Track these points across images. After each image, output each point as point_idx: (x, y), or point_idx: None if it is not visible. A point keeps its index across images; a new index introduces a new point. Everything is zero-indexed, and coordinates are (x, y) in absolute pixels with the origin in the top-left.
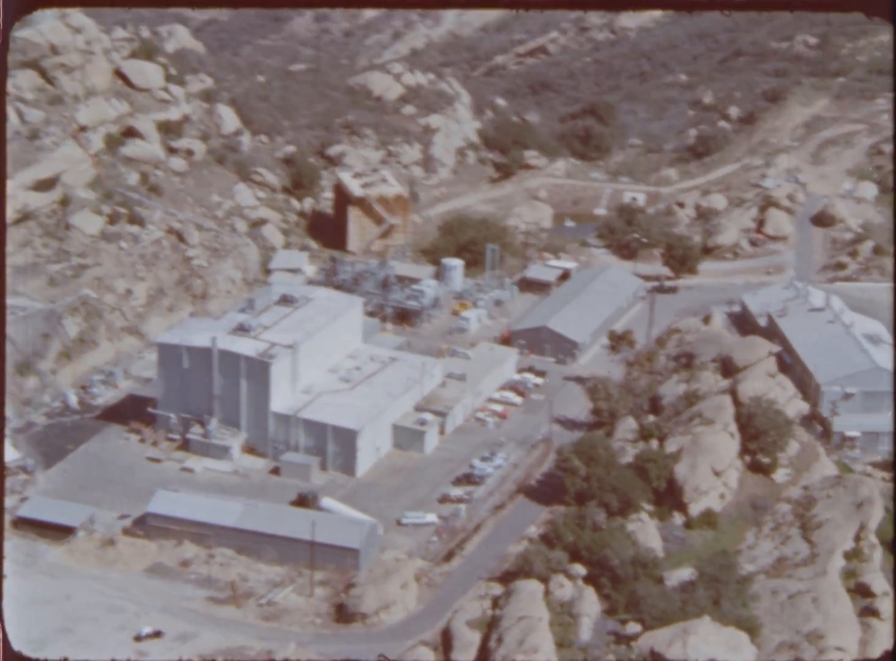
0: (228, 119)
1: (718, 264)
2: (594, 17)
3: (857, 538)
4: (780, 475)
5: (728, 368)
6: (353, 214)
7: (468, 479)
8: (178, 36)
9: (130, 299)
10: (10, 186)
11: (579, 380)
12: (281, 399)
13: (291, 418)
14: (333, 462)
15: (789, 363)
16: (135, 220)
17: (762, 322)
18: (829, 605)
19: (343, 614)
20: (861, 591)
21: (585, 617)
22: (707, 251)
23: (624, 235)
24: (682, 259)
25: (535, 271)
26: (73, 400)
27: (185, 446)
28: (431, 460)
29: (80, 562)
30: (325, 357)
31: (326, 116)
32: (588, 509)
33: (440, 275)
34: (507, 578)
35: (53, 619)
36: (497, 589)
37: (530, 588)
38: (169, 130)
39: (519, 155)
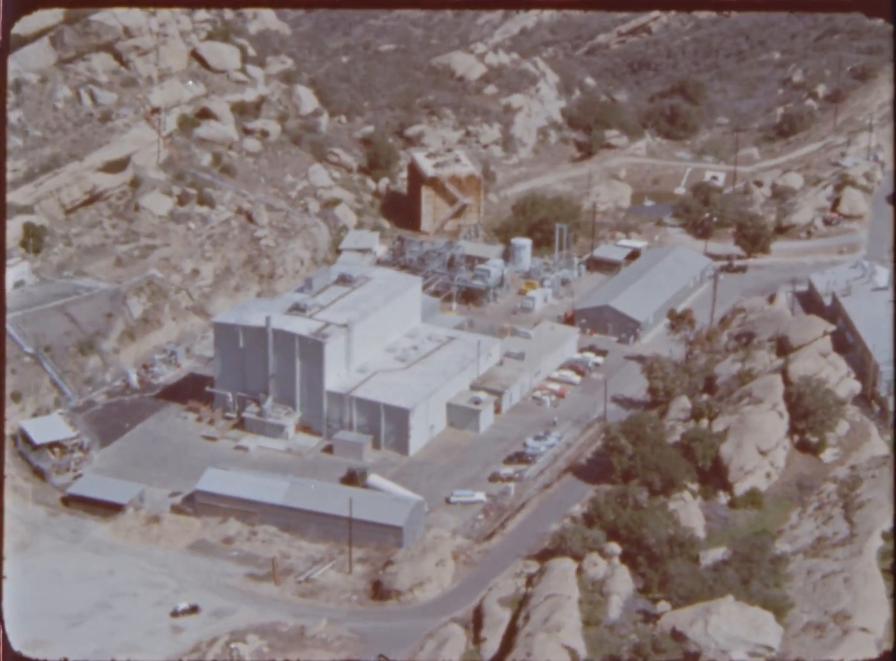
0: (307, 100)
1: (792, 244)
2: None
3: None
4: (828, 455)
5: (783, 347)
6: (426, 194)
7: (520, 457)
8: (263, 18)
9: (197, 280)
10: (80, 167)
11: (640, 359)
12: (335, 378)
13: (345, 397)
14: (386, 441)
15: (851, 343)
16: (204, 200)
17: (828, 301)
18: (860, 585)
19: (379, 591)
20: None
21: (615, 596)
22: (781, 230)
23: (699, 214)
24: (753, 238)
25: (603, 251)
26: (134, 379)
27: (241, 424)
28: (485, 438)
29: (125, 539)
30: (381, 336)
31: (407, 96)
32: (630, 488)
33: (509, 254)
34: (544, 556)
35: (93, 595)
36: (534, 567)
37: (563, 566)
38: (244, 111)
39: (600, 134)
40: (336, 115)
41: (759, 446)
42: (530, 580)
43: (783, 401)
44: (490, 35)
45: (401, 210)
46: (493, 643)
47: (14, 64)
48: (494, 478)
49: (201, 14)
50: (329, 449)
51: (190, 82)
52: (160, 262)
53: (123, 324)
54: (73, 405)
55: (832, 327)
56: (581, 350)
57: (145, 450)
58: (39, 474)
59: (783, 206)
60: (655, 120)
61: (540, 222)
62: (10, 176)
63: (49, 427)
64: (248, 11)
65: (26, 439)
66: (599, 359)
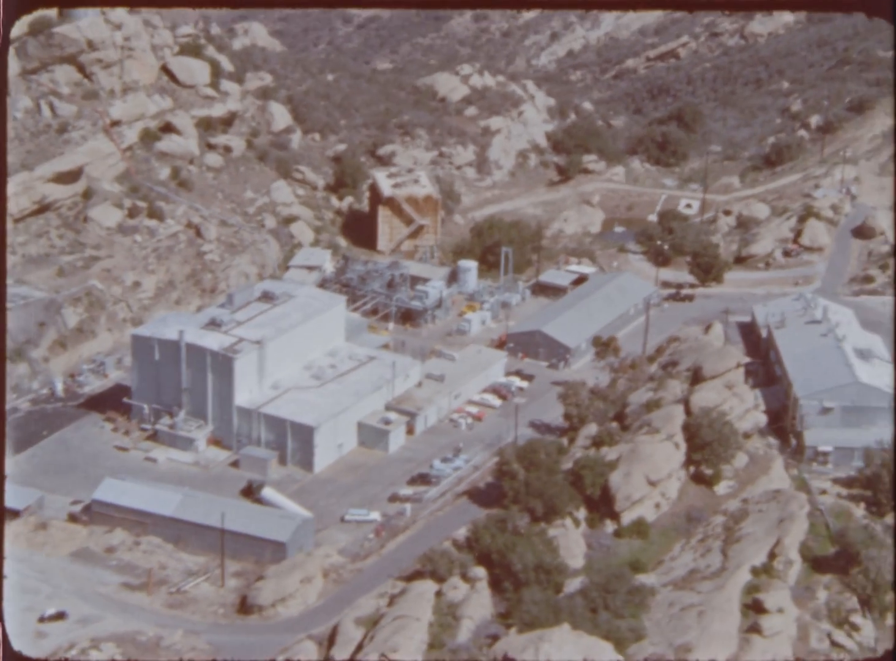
0: (279, 116)
1: (749, 274)
2: (726, 23)
3: (772, 555)
4: (722, 487)
5: (697, 377)
6: (383, 214)
7: (423, 479)
8: (254, 33)
9: (138, 292)
10: (30, 177)
11: (566, 384)
12: (246, 394)
13: (253, 413)
14: (292, 457)
15: (779, 375)
16: (154, 214)
17: (765, 333)
18: (711, 619)
19: (244, 605)
20: (756, 607)
21: (468, 619)
22: (740, 260)
23: (662, 241)
24: (706, 267)
25: (549, 276)
26: (59, 388)
27: (155, 436)
28: (394, 459)
29: (12, 544)
30: (298, 354)
31: (385, 115)
32: (509, 513)
33: (455, 276)
34: (415, 577)
35: None
36: (400, 588)
37: (422, 588)
38: (210, 126)
39: (577, 159)
40: (310, 132)
41: (648, 476)
42: (392, 601)
43: (681, 432)
44: (536, 56)
45: (360, 229)
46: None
47: None
48: (394, 499)
49: (185, 29)
50: (236, 464)
51: (156, 96)
52: (102, 273)
53: (56, 333)
54: None
55: (746, 359)
56: (508, 374)
57: (57, 458)
58: None
59: (746, 236)
60: (646, 146)
61: (494, 245)
62: None
63: None
64: (240, 27)
65: None
66: (524, 384)
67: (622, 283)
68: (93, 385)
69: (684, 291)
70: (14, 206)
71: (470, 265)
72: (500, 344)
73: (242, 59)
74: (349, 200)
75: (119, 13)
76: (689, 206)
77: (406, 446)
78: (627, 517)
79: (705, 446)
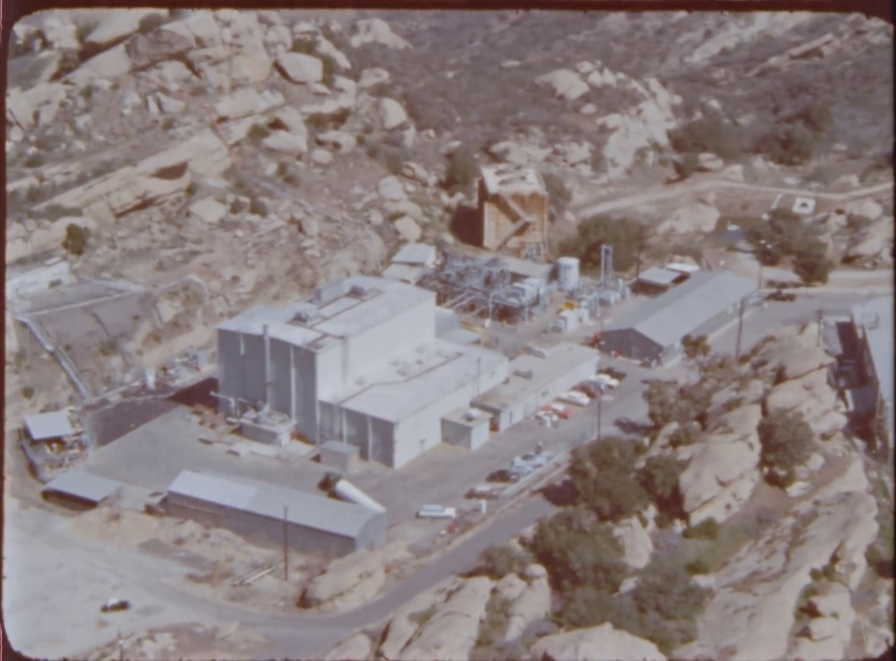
0: (393, 113)
1: (856, 274)
2: (871, 21)
3: (834, 558)
4: (795, 489)
5: (780, 378)
6: (489, 211)
7: (502, 476)
8: (376, 30)
9: (236, 287)
10: (132, 172)
11: (657, 383)
12: (330, 389)
13: (335, 408)
14: (373, 452)
15: (871, 376)
16: (257, 209)
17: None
18: (761, 622)
19: (304, 599)
20: (810, 610)
21: (518, 617)
22: (848, 260)
23: (769, 240)
24: (810, 267)
25: (650, 274)
26: (151, 381)
27: (240, 429)
28: (476, 455)
29: (85, 534)
30: (384, 349)
31: (501, 112)
32: (576, 512)
33: (556, 274)
34: (476, 574)
35: (34, 586)
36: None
37: (477, 585)
38: (319, 122)
39: (693, 157)
40: (424, 129)
41: (718, 477)
42: (449, 597)
43: (756, 432)
44: (690, 54)
45: (468, 226)
46: (389, 657)
47: (88, 70)
48: (471, 495)
49: (303, 26)
50: (318, 458)
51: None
52: (201, 267)
53: (151, 327)
54: (86, 403)
55: (830, 360)
56: (599, 372)
57: (141, 450)
58: (33, 468)
59: (855, 235)
60: (770, 144)
61: (598, 243)
62: (62, 179)
63: (50, 423)
64: (362, 24)
65: (27, 433)
66: (614, 382)
67: (721, 282)
68: (184, 378)
69: (785, 291)
70: (116, 201)
71: (570, 263)
72: (595, 342)
73: (360, 57)
74: (459, 196)
75: (229, 12)
76: (804, 205)
77: (489, 443)
78: (697, 518)
79: (779, 447)
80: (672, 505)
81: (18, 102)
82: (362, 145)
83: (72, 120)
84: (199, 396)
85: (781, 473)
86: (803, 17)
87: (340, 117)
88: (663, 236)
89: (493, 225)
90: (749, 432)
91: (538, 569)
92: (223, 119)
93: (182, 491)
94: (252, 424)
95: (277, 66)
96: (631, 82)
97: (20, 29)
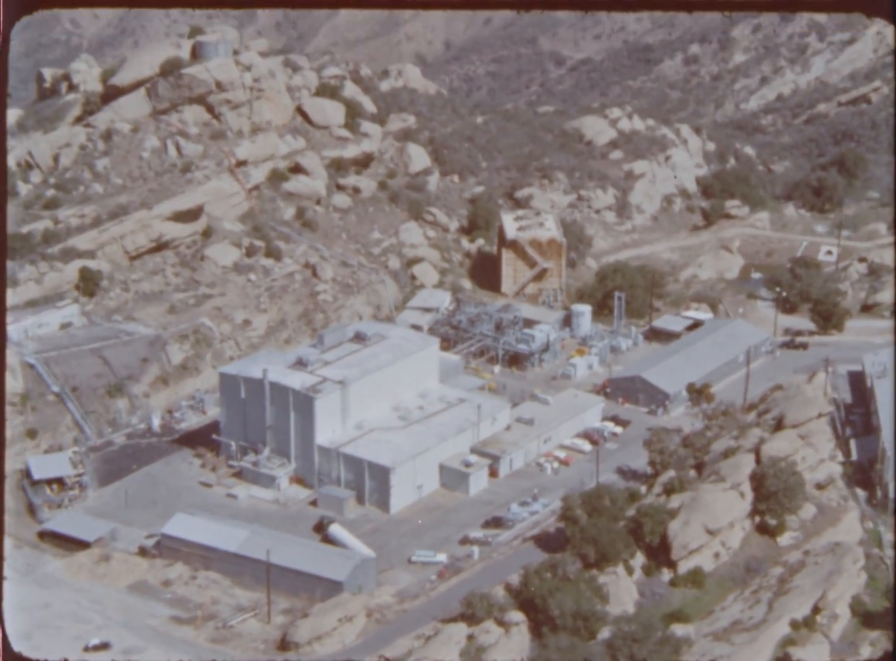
0: (417, 158)
1: (874, 322)
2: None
3: (816, 608)
4: (785, 538)
5: (779, 426)
6: (506, 257)
7: (497, 522)
8: (408, 75)
9: (247, 330)
10: (147, 215)
11: (663, 432)
12: (329, 433)
13: (333, 452)
14: (370, 497)
15: (876, 425)
16: (272, 253)
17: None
18: None
19: (284, 642)
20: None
21: None
22: (867, 309)
23: (789, 289)
24: (826, 315)
25: (663, 321)
26: (156, 423)
27: (241, 473)
28: (474, 501)
29: (75, 575)
30: (386, 394)
31: (527, 158)
32: (561, 559)
33: (569, 320)
34: (457, 620)
35: (20, 625)
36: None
37: (452, 631)
38: (340, 167)
39: (720, 204)
40: (449, 174)
41: (706, 526)
42: (427, 642)
43: (749, 481)
44: (746, 100)
45: (487, 272)
46: None
47: (110, 113)
48: (464, 541)
49: (332, 70)
50: (316, 502)
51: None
52: (212, 311)
53: (159, 369)
54: (90, 445)
55: (829, 409)
56: (604, 419)
57: (141, 492)
58: (32, 508)
59: (875, 283)
60: (801, 192)
61: (615, 289)
62: (77, 221)
63: (51, 464)
64: (394, 68)
65: (29, 474)
66: (619, 429)
67: (733, 330)
68: (190, 421)
69: (799, 340)
70: (130, 243)
71: (583, 309)
72: (602, 389)
73: (387, 101)
74: (480, 242)
75: (250, 56)
76: (829, 252)
77: (488, 489)
78: (684, 566)
79: (770, 496)
80: (660, 553)
81: (39, 145)
82: (384, 190)
83: (91, 163)
84: (203, 439)
85: (772, 522)
86: (861, 62)
87: (363, 162)
88: (685, 283)
89: (511, 271)
90: (741, 480)
91: (517, 616)
92: (242, 163)
93: (174, 533)
94: (251, 467)
95: (300, 111)
96: (661, 128)
97: (48, 72)
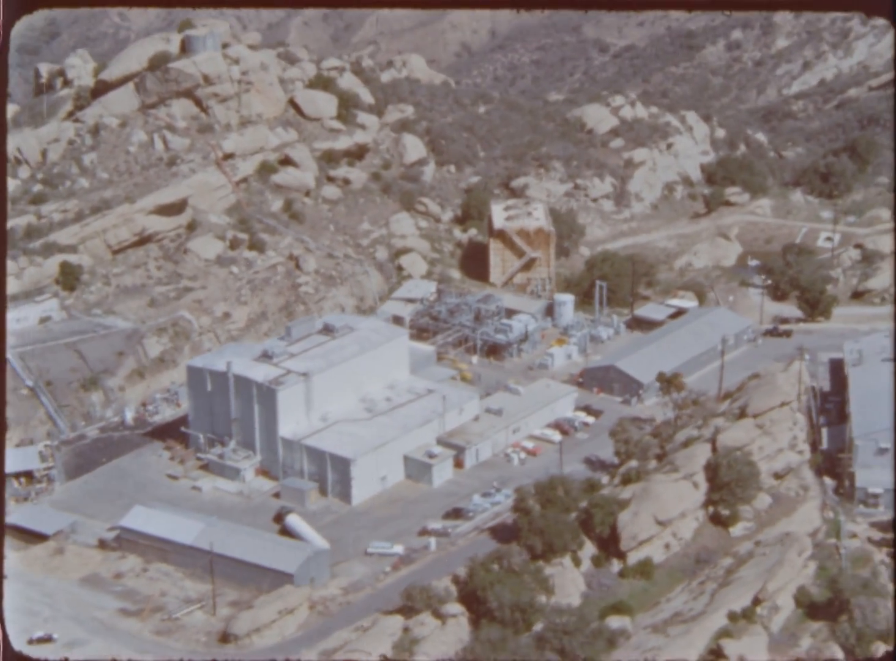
0: (413, 149)
1: (864, 309)
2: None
3: (757, 600)
4: (738, 529)
5: (742, 415)
6: (494, 247)
7: (457, 513)
8: (412, 66)
9: (227, 323)
10: (130, 209)
11: (635, 421)
12: (293, 425)
13: (295, 444)
14: (332, 489)
15: (849, 413)
16: (255, 246)
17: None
18: None
19: (224, 634)
20: (717, 653)
21: (423, 656)
22: (858, 295)
23: (780, 275)
24: (813, 303)
25: (646, 310)
26: (129, 416)
27: (207, 465)
28: (438, 492)
29: (30, 568)
30: (352, 386)
31: (526, 147)
32: (507, 550)
33: (552, 310)
34: (402, 612)
35: None
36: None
37: (387, 623)
38: (332, 158)
39: (720, 191)
40: (445, 164)
41: (656, 516)
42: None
43: (703, 471)
44: (788, 86)
45: (477, 262)
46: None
47: (98, 108)
48: (423, 533)
49: (331, 62)
50: (279, 494)
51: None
52: (192, 304)
53: (136, 362)
54: (63, 438)
55: (790, 398)
56: (577, 409)
57: (108, 485)
58: None
59: (867, 270)
60: (809, 178)
61: (601, 278)
62: (59, 216)
63: (20, 458)
64: (399, 59)
65: None
66: (590, 419)
67: (714, 318)
68: (164, 414)
69: (783, 327)
70: (113, 237)
71: (565, 299)
72: (578, 379)
73: (387, 92)
74: (473, 232)
75: (239, 49)
76: (829, 239)
77: (453, 480)
78: (634, 557)
79: (724, 486)
80: (611, 545)
81: (27, 141)
82: (377, 181)
83: (78, 158)
84: (175, 431)
85: (725, 512)
86: None
87: (357, 154)
88: (679, 272)
89: (499, 261)
90: (695, 470)
91: (455, 608)
92: (229, 156)
93: (132, 526)
94: (217, 460)
95: (293, 103)
96: (665, 116)
97: (44, 68)
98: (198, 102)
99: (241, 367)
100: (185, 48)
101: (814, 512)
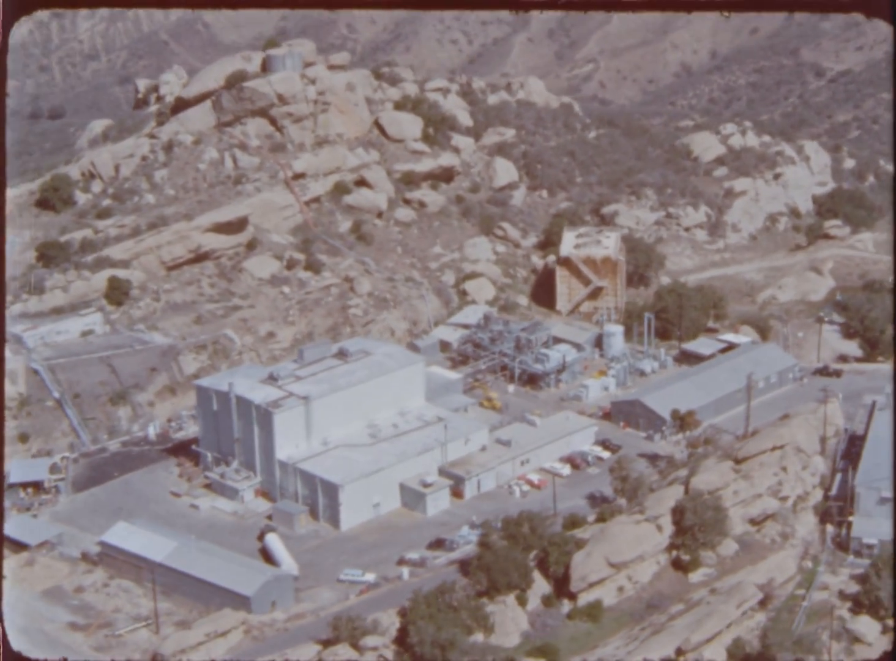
0: (503, 172)
1: None
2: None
3: (679, 650)
4: (697, 575)
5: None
6: (561, 274)
7: (440, 544)
8: (531, 88)
9: (271, 342)
10: (186, 227)
11: (652, 457)
12: (291, 448)
13: (290, 467)
14: (323, 513)
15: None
16: (311, 266)
17: None
18: None
19: (153, 654)
20: None
21: None
22: None
23: (856, 312)
24: (872, 342)
25: (695, 344)
26: (152, 432)
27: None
28: (431, 522)
29: None
30: (360, 411)
31: (624, 174)
32: (447, 586)
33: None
34: (328, 643)
35: None
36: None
37: (302, 652)
38: (411, 180)
39: (818, 224)
40: (538, 189)
41: (608, 558)
42: None
43: (670, 514)
44: None
45: (547, 289)
46: None
47: (175, 125)
48: (401, 562)
49: (436, 83)
50: (271, 516)
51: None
52: (238, 322)
53: (168, 379)
54: (83, 451)
55: (783, 441)
56: (595, 444)
57: (111, 499)
58: None
59: None
60: None
61: (662, 310)
62: (115, 231)
63: (30, 469)
64: (516, 81)
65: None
66: (606, 454)
67: (760, 355)
68: (188, 431)
69: (833, 367)
70: (167, 254)
71: (615, 330)
72: (606, 413)
73: (489, 115)
74: (551, 258)
75: (317, 69)
76: None
77: (449, 510)
78: (584, 599)
79: (687, 530)
80: (564, 585)
81: (101, 156)
82: (460, 204)
83: (150, 174)
84: (191, 449)
85: (685, 558)
86: None
87: (443, 176)
88: (760, 305)
89: (566, 289)
90: (662, 512)
91: (376, 640)
92: (300, 176)
93: (112, 542)
94: (219, 479)
95: (377, 124)
96: (779, 145)
97: (141, 83)
98: (272, 122)
99: (244, 388)
100: (266, 67)
101: (789, 561)
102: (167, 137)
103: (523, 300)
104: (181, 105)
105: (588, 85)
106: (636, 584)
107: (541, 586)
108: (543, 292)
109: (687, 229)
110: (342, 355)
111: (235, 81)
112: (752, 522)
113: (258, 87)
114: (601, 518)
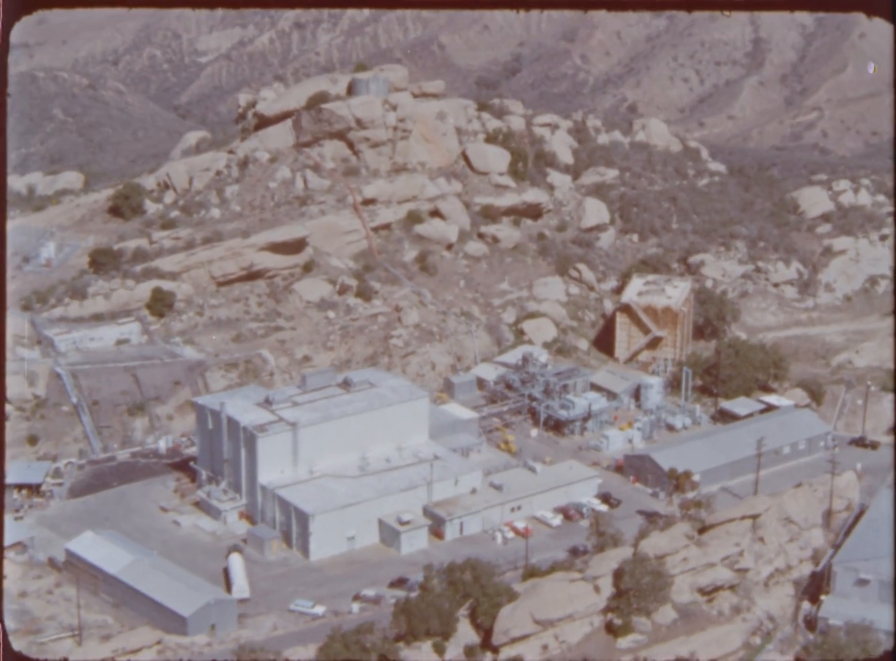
0: (592, 213)
1: None
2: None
3: None
4: (627, 641)
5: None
6: (620, 321)
7: (401, 582)
8: (652, 129)
9: (306, 366)
10: (239, 244)
11: (650, 516)
12: (276, 473)
13: (268, 492)
14: (296, 541)
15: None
16: (362, 293)
17: None
18: None
19: None
20: None
21: None
22: None
23: (869, 382)
24: None
25: (733, 403)
26: (163, 445)
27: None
28: (404, 560)
29: None
30: (353, 443)
31: (720, 223)
32: (368, 626)
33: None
34: None
35: None
36: None
37: None
38: (489, 214)
39: None
40: (629, 233)
41: (534, 615)
42: None
43: (612, 575)
44: None
45: (609, 335)
46: None
47: (255, 141)
48: (356, 598)
49: (545, 118)
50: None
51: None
52: (275, 343)
53: (191, 393)
54: (91, 458)
55: (753, 512)
56: (596, 496)
57: (100, 508)
58: None
59: None
60: None
61: (712, 367)
62: (169, 243)
63: (27, 471)
64: (637, 122)
65: None
66: (603, 507)
67: (792, 420)
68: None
69: (870, 438)
70: (218, 269)
71: (652, 382)
72: (620, 466)
73: (594, 154)
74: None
75: (400, 96)
76: None
77: (426, 551)
78: (506, 654)
79: (623, 593)
80: (490, 637)
81: (176, 168)
82: (541, 242)
83: (221, 189)
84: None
85: (617, 622)
86: None
87: (528, 212)
88: (834, 368)
89: (625, 336)
90: (603, 573)
91: None
92: (370, 201)
93: (75, 550)
94: (205, 498)
95: (465, 155)
96: (890, 205)
97: (243, 97)
98: (350, 145)
99: (236, 409)
100: (352, 90)
101: (733, 635)
102: (244, 154)
103: (584, 344)
104: (263, 122)
105: (811, 133)
106: (563, 643)
107: (468, 635)
108: (606, 339)
109: (776, 285)
110: (345, 384)
111: (316, 102)
112: (702, 592)
113: (336, 109)
114: (549, 573)
